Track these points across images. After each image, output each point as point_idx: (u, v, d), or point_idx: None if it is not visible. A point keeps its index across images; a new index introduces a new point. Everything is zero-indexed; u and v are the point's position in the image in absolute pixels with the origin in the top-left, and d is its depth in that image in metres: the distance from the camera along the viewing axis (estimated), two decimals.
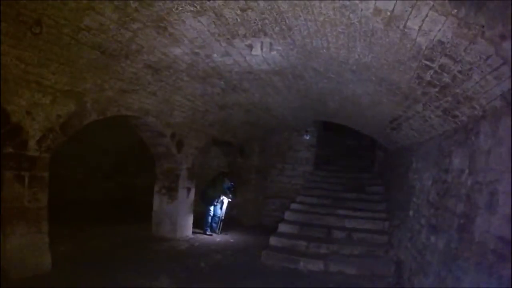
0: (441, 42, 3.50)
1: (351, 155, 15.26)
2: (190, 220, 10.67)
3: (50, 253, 6.35)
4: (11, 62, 4.88)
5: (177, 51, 5.61)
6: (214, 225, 11.25)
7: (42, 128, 5.89)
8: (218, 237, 10.83)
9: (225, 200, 11.28)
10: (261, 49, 5.39)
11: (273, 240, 9.14)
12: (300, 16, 4.14)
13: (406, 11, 3.29)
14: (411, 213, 7.07)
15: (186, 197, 10.33)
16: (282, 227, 9.78)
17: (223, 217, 11.33)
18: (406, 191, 7.69)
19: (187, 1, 4.15)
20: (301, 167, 13.61)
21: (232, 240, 10.60)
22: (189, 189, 10.39)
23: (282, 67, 6.13)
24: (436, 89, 4.55)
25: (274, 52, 5.47)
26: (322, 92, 7.46)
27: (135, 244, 9.05)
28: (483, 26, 2.87)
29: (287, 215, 10.47)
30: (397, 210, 8.62)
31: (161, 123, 8.45)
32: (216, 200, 11.15)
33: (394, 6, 3.30)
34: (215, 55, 5.76)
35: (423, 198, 6.32)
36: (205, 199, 11.12)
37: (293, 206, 11.00)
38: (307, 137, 13.61)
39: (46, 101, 5.78)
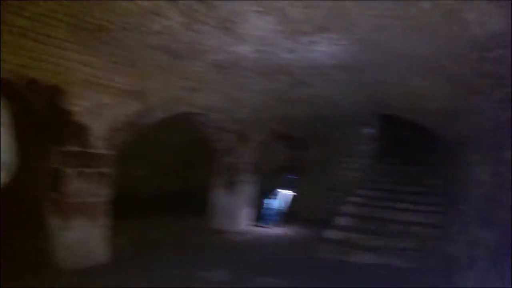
0: (497, 34, 3.60)
1: (409, 148, 14.63)
2: (250, 213, 10.56)
3: (108, 245, 6.42)
4: (77, 67, 4.99)
5: (243, 49, 5.46)
6: (273, 218, 11.10)
7: (108, 127, 5.95)
8: (276, 230, 10.68)
9: (285, 194, 11.13)
10: (325, 44, 5.24)
11: (329, 233, 8.94)
12: (363, 11, 4.07)
13: (464, 4, 3.37)
14: (465, 206, 6.74)
15: (247, 191, 10.23)
16: (338, 220, 9.52)
17: (282, 210, 11.20)
18: (461, 184, 7.31)
19: (252, 2, 4.04)
20: (360, 160, 13.11)
21: (289, 233, 10.46)
22: (249, 183, 10.29)
23: (345, 62, 5.93)
24: (494, 81, 4.59)
25: (337, 47, 5.30)
26: (383, 84, 7.25)
27: (193, 237, 9.03)
28: None
29: (344, 208, 10.13)
30: (452, 203, 8.23)
31: (225, 119, 8.43)
32: (276, 194, 11.02)
33: None
34: (280, 52, 5.59)
35: (478, 191, 5.99)
36: (266, 192, 11.01)
37: (351, 199, 10.61)
38: (368, 130, 13.13)
39: (111, 102, 5.85)
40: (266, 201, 11.03)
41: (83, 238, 5.98)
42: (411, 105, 8.63)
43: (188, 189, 14.79)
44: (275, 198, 11.11)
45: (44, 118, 5.29)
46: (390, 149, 14.44)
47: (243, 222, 10.34)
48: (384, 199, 10.39)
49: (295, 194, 11.93)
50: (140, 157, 12.96)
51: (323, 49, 5.35)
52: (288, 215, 11.69)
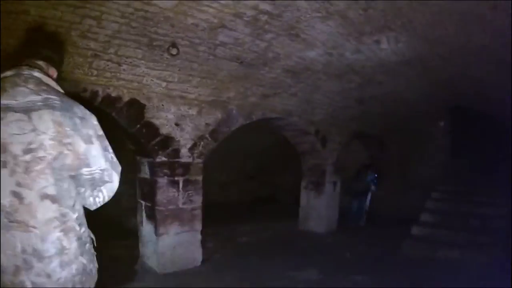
0: None
1: (486, 140, 13.95)
2: (336, 213, 10.49)
3: (201, 249, 6.72)
4: (152, 82, 5.33)
5: (312, 53, 5.62)
6: (359, 217, 11.05)
7: (193, 136, 6.25)
8: (362, 229, 10.63)
9: (369, 192, 11.04)
10: (388, 42, 5.38)
11: (414, 230, 8.84)
12: (417, 9, 4.25)
13: None
14: None
15: (333, 191, 10.17)
16: (423, 216, 9.34)
17: (367, 209, 11.10)
18: None
19: (313, 8, 4.21)
20: (438, 155, 12.69)
21: (375, 231, 10.30)
22: (335, 183, 10.22)
23: (410, 57, 6.00)
24: None
25: (400, 44, 5.43)
26: (450, 77, 7.21)
27: (282, 239, 9.15)
28: None
29: (428, 204, 9.92)
30: None
31: (304, 121, 8.45)
32: (361, 193, 10.95)
33: None
34: (347, 53, 5.72)
35: None
36: (350, 192, 10.97)
37: (434, 195, 10.36)
38: (442, 124, 12.64)
39: (193, 112, 6.15)
40: (354, 200, 11.01)
41: (178, 243, 6.30)
42: (479, 95, 8.57)
43: (274, 193, 14.98)
44: (362, 198, 11.04)
45: (132, 133, 5.62)
46: (467, 142, 13.95)
47: (333, 222, 10.33)
48: (466, 193, 10.12)
49: (379, 192, 11.79)
50: (221, 165, 13.28)
51: (387, 47, 5.46)
52: (373, 214, 11.58)
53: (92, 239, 2.27)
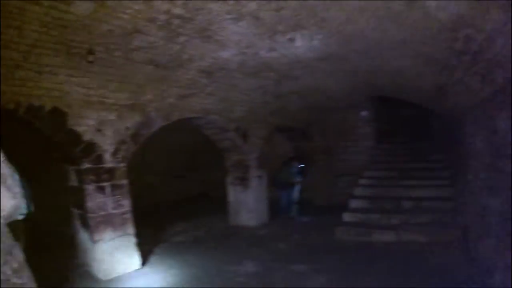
0: (459, 15, 3.80)
1: (409, 126, 14.57)
2: (266, 206, 10.87)
3: (138, 252, 6.89)
4: (72, 89, 5.43)
5: (226, 54, 5.91)
6: (289, 208, 11.37)
7: (114, 141, 6.41)
8: (294, 220, 10.98)
9: (297, 183, 11.36)
10: (302, 40, 5.59)
11: (347, 216, 9.23)
12: (330, 8, 4.40)
13: None
14: (470, 177, 6.91)
15: (259, 185, 10.53)
16: (354, 203, 9.79)
17: (297, 200, 11.41)
18: (463, 156, 7.51)
19: (224, 10, 4.45)
20: (363, 142, 13.31)
21: (308, 221, 10.72)
22: (260, 177, 10.59)
23: (326, 53, 6.27)
24: (469, 57, 4.69)
25: (315, 42, 5.65)
26: (368, 70, 7.53)
27: (216, 235, 9.43)
28: None
29: (357, 190, 10.43)
30: (459, 175, 8.40)
31: (223, 119, 8.74)
32: (288, 184, 11.26)
33: None
34: (261, 52, 5.99)
35: (479, 161, 6.20)
36: (277, 184, 11.28)
37: (362, 181, 10.94)
38: (365, 113, 13.26)
39: (112, 117, 6.30)
40: (282, 192, 11.34)
41: (113, 248, 6.45)
42: (398, 85, 8.88)
43: (204, 191, 15.26)
44: (290, 189, 11.36)
45: (57, 141, 5.68)
46: (391, 129, 14.43)
47: (263, 215, 10.71)
48: (394, 178, 10.68)
49: (308, 182, 12.22)
50: (155, 165, 13.40)
51: (301, 44, 5.72)
52: (305, 204, 11.94)
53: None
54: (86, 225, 6.29)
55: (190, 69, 6.22)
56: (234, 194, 10.46)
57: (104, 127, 6.20)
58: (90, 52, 4.87)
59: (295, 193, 11.40)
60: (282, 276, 6.44)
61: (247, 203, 10.28)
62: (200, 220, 10.91)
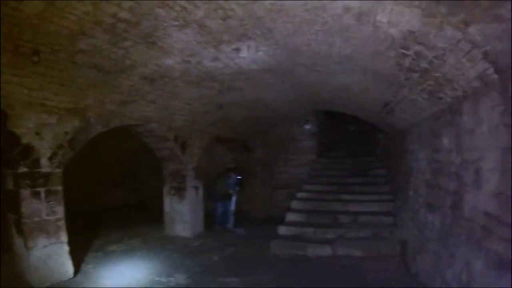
0: (411, 32, 3.79)
1: (353, 140, 15.16)
2: (201, 217, 10.98)
3: (71, 260, 6.78)
4: (15, 89, 5.33)
5: (169, 61, 5.97)
6: (225, 220, 11.48)
7: (52, 145, 6.31)
8: (229, 232, 11.11)
9: (234, 195, 11.50)
10: (248, 51, 5.69)
11: (282, 230, 9.39)
12: (277, 19, 4.47)
13: (373, 6, 3.63)
14: (411, 193, 7.26)
15: (195, 196, 10.63)
16: (290, 216, 9.98)
17: (233, 212, 11.52)
18: (405, 172, 7.86)
19: (170, 17, 4.50)
20: (304, 156, 13.64)
21: (243, 233, 10.87)
22: (197, 188, 10.70)
23: (271, 65, 6.40)
24: (418, 74, 4.80)
25: (260, 53, 5.77)
26: (314, 84, 7.70)
27: (151, 245, 9.42)
28: (446, 15, 3.14)
29: (294, 204, 10.65)
30: (399, 191, 8.76)
31: (163, 128, 8.81)
32: (224, 196, 11.38)
33: (361, 4, 3.65)
34: (205, 61, 6.08)
35: (420, 178, 6.52)
36: (213, 195, 11.39)
37: (299, 195, 11.16)
38: (308, 127, 13.59)
39: (52, 121, 6.22)
40: (218, 204, 11.44)
41: (47, 256, 6.34)
42: (345, 100, 9.09)
43: (142, 199, 15.22)
44: (226, 200, 11.48)
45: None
46: (335, 143, 14.99)
47: (199, 227, 10.81)
48: (332, 192, 10.95)
49: (246, 194, 12.50)
50: (92, 171, 13.28)
51: (247, 55, 5.82)
52: (243, 216, 12.15)
53: None
54: (20, 231, 6.16)
55: (132, 76, 6.23)
56: (170, 204, 10.50)
57: (43, 131, 6.11)
58: (36, 52, 4.83)
59: (232, 205, 11.51)
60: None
61: (183, 214, 10.35)
62: (136, 229, 10.86)
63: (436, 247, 5.36)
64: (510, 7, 2.63)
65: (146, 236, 10.23)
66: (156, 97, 7.41)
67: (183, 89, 7.38)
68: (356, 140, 15.10)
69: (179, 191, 10.34)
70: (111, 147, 12.81)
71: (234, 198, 11.55)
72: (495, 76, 3.38)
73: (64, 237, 6.64)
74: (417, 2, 3.24)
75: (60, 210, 6.58)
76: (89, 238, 9.60)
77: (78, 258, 7.35)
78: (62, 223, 6.61)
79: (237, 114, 10.30)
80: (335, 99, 9.30)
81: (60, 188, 6.57)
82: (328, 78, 7.04)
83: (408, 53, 4.35)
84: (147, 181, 14.79)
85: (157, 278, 7.01)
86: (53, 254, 6.45)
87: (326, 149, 14.36)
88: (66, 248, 6.68)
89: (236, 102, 9.00)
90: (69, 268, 6.76)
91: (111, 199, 14.64)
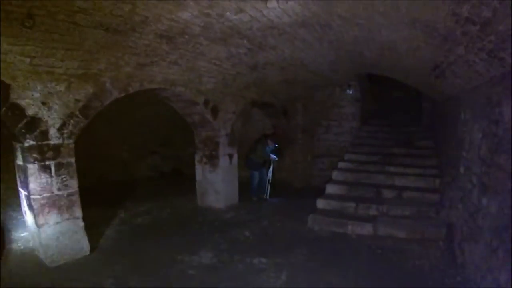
0: None
1: (398, 108, 14.91)
2: (236, 187, 10.71)
3: (86, 236, 6.63)
4: (16, 59, 5.07)
5: (186, 15, 5.39)
6: (261, 190, 11.22)
7: (61, 115, 6.06)
8: (265, 203, 10.82)
9: (271, 163, 11.23)
10: (277, 0, 5.07)
11: (321, 203, 9.01)
12: None
13: None
14: (462, 169, 6.58)
15: (229, 164, 10.33)
16: (330, 188, 9.61)
17: (270, 181, 11.26)
18: (455, 145, 7.21)
19: None
20: (347, 123, 13.28)
21: (280, 205, 10.55)
22: (231, 156, 10.39)
23: (305, 17, 5.74)
24: (477, 27, 4.06)
25: (291, 2, 5.14)
26: (355, 41, 7.04)
27: (180, 217, 9.21)
28: None
29: (335, 175, 10.29)
30: (448, 165, 8.15)
31: (191, 91, 8.43)
32: (261, 164, 11.11)
33: None
34: (228, 13, 5.47)
35: (474, 153, 5.79)
36: (249, 163, 11.13)
37: (341, 164, 10.78)
38: (351, 92, 13.12)
39: (61, 89, 5.94)
40: (254, 172, 11.15)
41: (59, 233, 6.21)
42: (390, 61, 8.45)
43: (178, 168, 15.18)
44: (263, 169, 11.23)
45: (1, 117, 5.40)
46: (379, 110, 14.70)
47: (232, 197, 10.53)
48: (376, 163, 10.51)
49: (285, 162, 12.22)
50: (128, 139, 13.43)
51: (276, 5, 5.20)
52: (281, 185, 11.87)
53: None
54: (31, 207, 6.01)
55: (146, 33, 5.75)
56: (202, 173, 10.26)
57: (51, 100, 5.85)
58: (29, 16, 4.45)
59: (269, 174, 11.23)
60: (237, 272, 6.21)
61: (215, 184, 10.09)
62: (167, 200, 10.73)
63: (490, 239, 4.68)
64: None
65: (176, 208, 10.05)
66: (178, 57, 6.91)
67: (207, 47, 6.84)
68: (401, 108, 14.80)
69: (212, 159, 10.06)
70: (147, 114, 12.90)
71: (271, 167, 11.26)
72: None
73: (78, 212, 6.48)
74: None
75: (73, 184, 6.38)
76: (116, 210, 9.46)
77: (98, 232, 7.29)
78: (76, 197, 6.43)
79: (272, 77, 9.73)
80: (379, 60, 8.58)
81: (72, 160, 6.35)
82: (371, 34, 6.34)
83: None
84: (184, 148, 14.59)
85: (179, 257, 6.72)
86: (66, 230, 6.31)
87: (370, 116, 14.00)
88: (81, 223, 6.53)
89: (270, 62, 8.40)
90: (85, 244, 6.63)
91: (147, 168, 14.75)
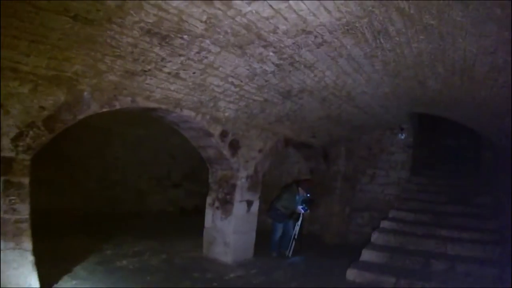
0: None
1: (451, 158, 14.68)
2: (252, 240, 9.92)
3: (35, 273, 5.88)
4: None
5: (176, 2, 4.47)
6: (284, 245, 10.43)
7: (19, 123, 5.38)
8: (286, 261, 9.90)
9: (300, 216, 10.43)
10: None
11: (351, 274, 8.17)
12: None
13: None
14: None
15: (246, 212, 9.57)
16: (367, 255, 8.81)
17: (296, 236, 10.43)
18: None
19: None
20: (395, 172, 12.81)
21: (303, 266, 9.59)
22: (250, 203, 9.63)
23: (351, 16, 4.68)
24: None
25: None
26: (418, 62, 6.10)
27: (173, 268, 8.32)
28: None
29: (375, 237, 9.57)
30: (510, 230, 7.40)
31: (203, 118, 7.70)
32: (287, 216, 10.32)
33: None
34: (238, 2, 4.46)
35: None
36: (272, 214, 10.39)
37: (384, 224, 10.14)
38: (402, 136, 12.66)
39: (23, 90, 5.29)
40: (277, 224, 10.34)
41: (3, 263, 5.45)
42: (459, 93, 7.54)
43: (201, 205, 14.72)
44: (289, 221, 10.43)
45: None
46: (431, 159, 14.57)
47: (245, 251, 9.68)
48: (426, 223, 9.85)
49: (316, 213, 11.69)
50: (147, 168, 13.50)
51: None
52: (311, 240, 11.32)
53: None
54: None
55: (128, 27, 4.85)
56: (212, 219, 9.52)
57: (9, 103, 5.19)
58: None
59: (297, 228, 10.40)
60: None
61: (225, 234, 9.26)
62: (168, 242, 10.07)
63: None
64: None
65: (174, 254, 9.25)
66: (178, 67, 5.98)
67: (218, 57, 5.88)
68: (454, 157, 14.60)
69: (225, 204, 9.30)
70: (172, 142, 12.75)
71: (299, 221, 10.41)
72: None
73: (27, 243, 5.71)
74: None
75: (23, 209, 5.62)
76: (103, 245, 8.79)
77: (65, 269, 6.61)
78: (25, 225, 5.68)
79: (311, 110, 8.95)
80: (444, 92, 7.71)
81: (25, 180, 5.60)
82: (443, 44, 5.27)
83: None
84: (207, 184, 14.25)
85: None
86: (10, 261, 5.56)
87: (421, 166, 13.58)
88: (29, 257, 5.75)
89: (308, 89, 7.53)
90: (32, 281, 5.84)
91: (164, 203, 14.50)
